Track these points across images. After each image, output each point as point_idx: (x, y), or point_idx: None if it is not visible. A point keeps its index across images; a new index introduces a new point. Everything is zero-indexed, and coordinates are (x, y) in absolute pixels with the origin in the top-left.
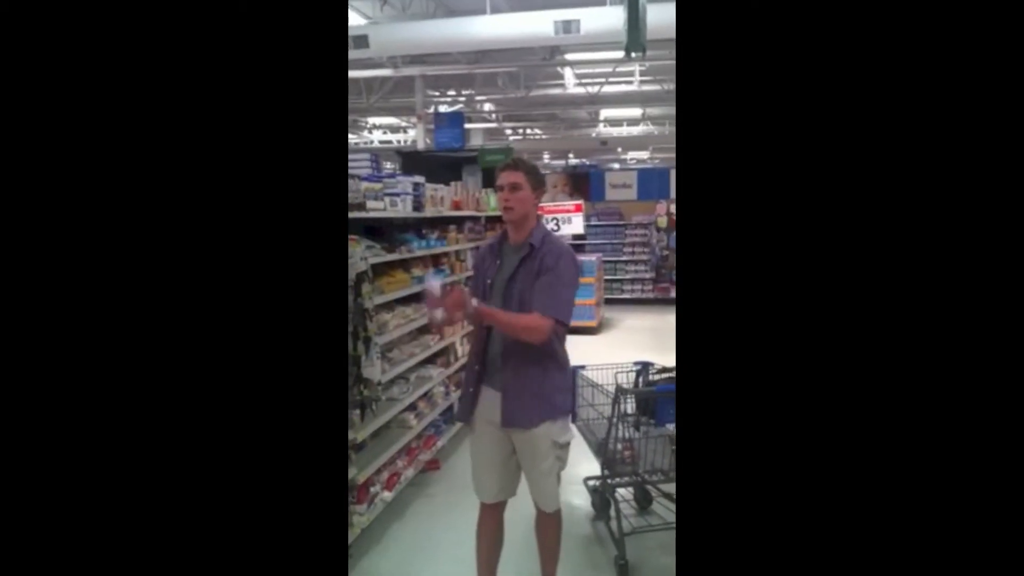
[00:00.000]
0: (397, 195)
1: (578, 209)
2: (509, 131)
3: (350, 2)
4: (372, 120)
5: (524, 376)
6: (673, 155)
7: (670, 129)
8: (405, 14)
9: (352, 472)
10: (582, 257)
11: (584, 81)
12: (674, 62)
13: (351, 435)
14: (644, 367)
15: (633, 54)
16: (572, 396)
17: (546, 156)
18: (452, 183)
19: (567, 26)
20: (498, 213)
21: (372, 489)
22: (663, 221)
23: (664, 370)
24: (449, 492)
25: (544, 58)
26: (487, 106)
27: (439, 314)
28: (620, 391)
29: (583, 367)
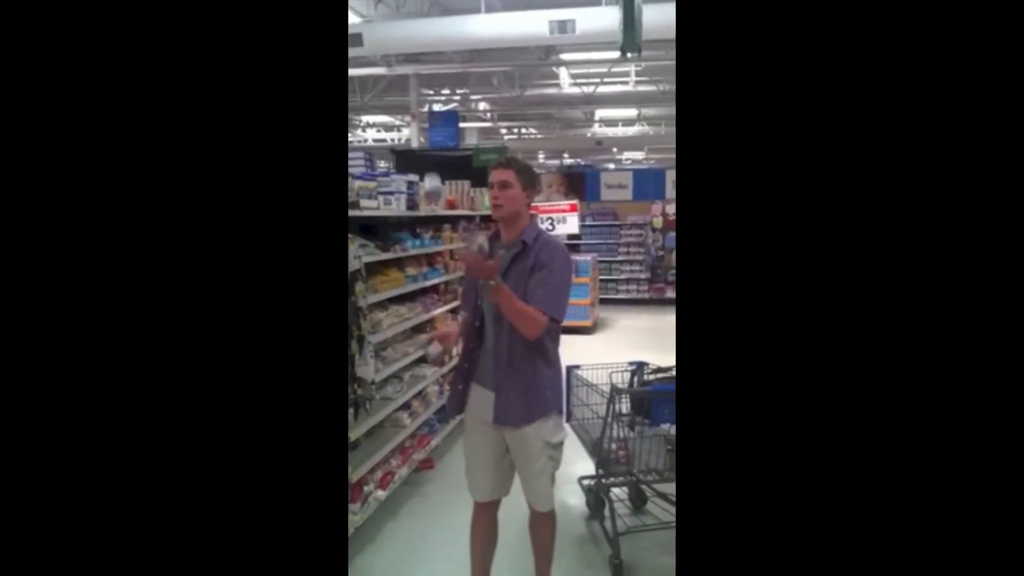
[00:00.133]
0: (391, 194)
1: (573, 209)
2: (504, 130)
3: None
4: (366, 118)
5: (515, 374)
6: (668, 155)
7: (665, 129)
8: (399, 12)
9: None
10: (577, 257)
11: (579, 81)
12: (669, 62)
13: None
14: (639, 367)
15: (628, 54)
16: (565, 394)
17: (541, 156)
18: (447, 182)
19: (562, 26)
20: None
21: (366, 488)
22: (658, 221)
23: (659, 370)
24: (443, 491)
25: (539, 58)
26: (482, 105)
27: (433, 349)
28: (615, 391)
29: (578, 367)
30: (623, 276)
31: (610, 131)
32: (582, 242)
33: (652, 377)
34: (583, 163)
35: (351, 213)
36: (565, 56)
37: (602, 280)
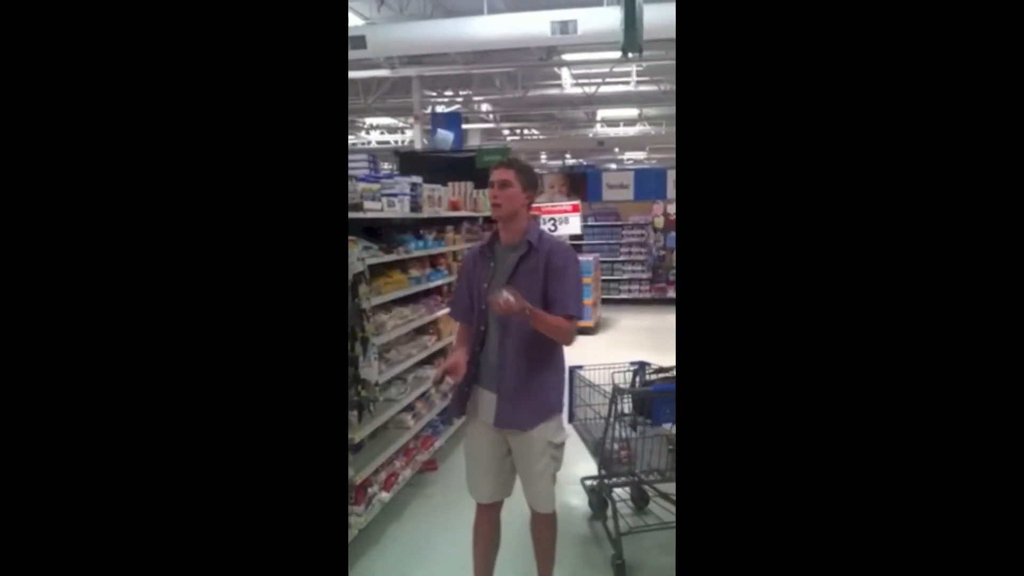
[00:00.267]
0: (395, 195)
1: (575, 209)
2: (506, 131)
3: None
4: (369, 120)
5: (520, 377)
6: (670, 155)
7: (667, 129)
8: (402, 15)
9: (350, 473)
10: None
11: (581, 81)
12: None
13: (349, 436)
14: (641, 367)
15: (630, 54)
16: (567, 395)
17: (543, 156)
18: (450, 183)
19: (564, 26)
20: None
21: (370, 490)
22: (660, 221)
23: (661, 370)
24: (446, 492)
25: (541, 58)
26: (484, 106)
27: (445, 386)
28: (617, 391)
29: (580, 367)
30: (625, 276)
31: (612, 131)
32: (584, 242)
33: (654, 377)
34: (585, 163)
35: (355, 215)
36: (567, 57)
37: (604, 280)
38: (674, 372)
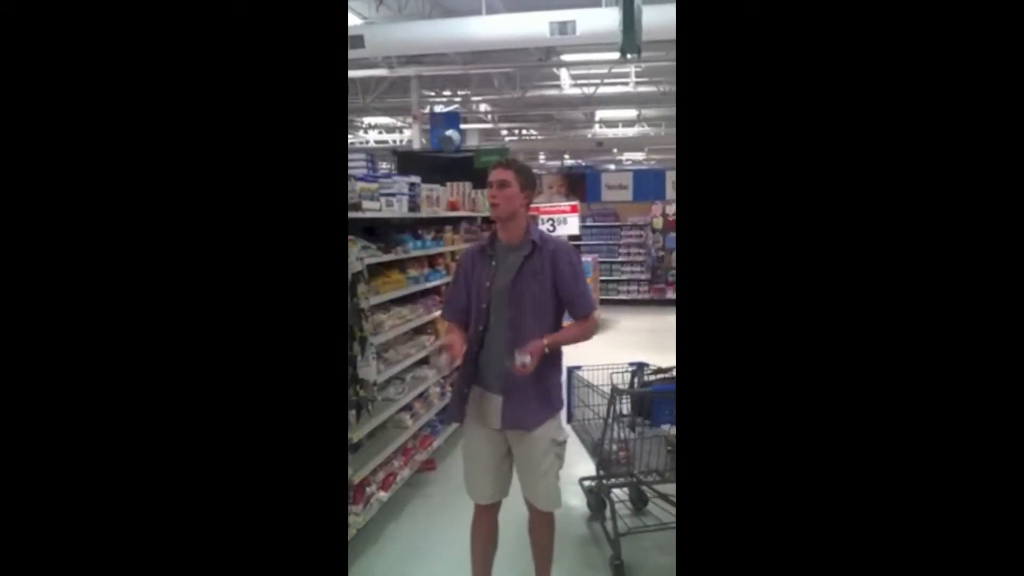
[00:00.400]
0: (393, 195)
1: (574, 210)
2: (505, 132)
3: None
4: (368, 120)
5: (529, 378)
6: (668, 156)
7: (666, 130)
8: (401, 14)
9: (348, 472)
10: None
11: (580, 82)
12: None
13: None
14: (639, 368)
15: (628, 55)
16: (566, 395)
17: (542, 157)
18: (448, 183)
19: (563, 27)
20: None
21: (368, 489)
22: (659, 222)
23: (660, 371)
24: (445, 492)
25: (540, 59)
26: (483, 107)
27: (443, 360)
28: (616, 392)
29: (579, 368)
30: (623, 277)
31: (610, 132)
32: (583, 243)
33: (652, 378)
34: (584, 164)
35: (353, 215)
36: (565, 57)
37: (602, 281)
38: (673, 373)
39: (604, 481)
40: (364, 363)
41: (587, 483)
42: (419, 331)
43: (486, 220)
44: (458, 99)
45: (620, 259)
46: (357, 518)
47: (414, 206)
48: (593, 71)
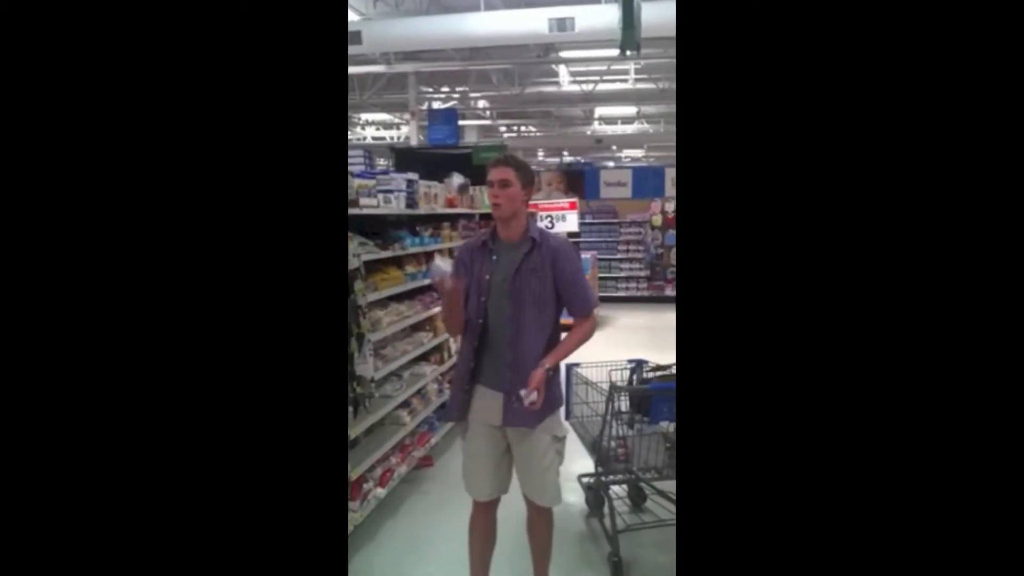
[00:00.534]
0: (391, 192)
1: (573, 207)
2: (503, 128)
3: None
4: (365, 116)
5: (527, 375)
6: (668, 153)
7: (665, 127)
8: (398, 10)
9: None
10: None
11: (579, 79)
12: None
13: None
14: (638, 365)
15: (627, 52)
16: (564, 392)
17: (540, 154)
18: (446, 180)
19: (561, 23)
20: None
21: (365, 486)
22: (658, 219)
23: (658, 368)
24: (443, 489)
25: (538, 55)
26: (481, 103)
27: (449, 282)
28: (614, 389)
29: (578, 364)
30: (622, 274)
31: (609, 129)
32: (582, 240)
33: (651, 375)
34: (583, 161)
35: (351, 211)
36: (564, 54)
37: (601, 278)
38: (672, 370)
39: (603, 478)
40: (361, 360)
41: (586, 480)
42: (417, 328)
43: (484, 216)
44: (456, 95)
45: (619, 256)
46: (354, 514)
47: (412, 202)
48: (592, 68)
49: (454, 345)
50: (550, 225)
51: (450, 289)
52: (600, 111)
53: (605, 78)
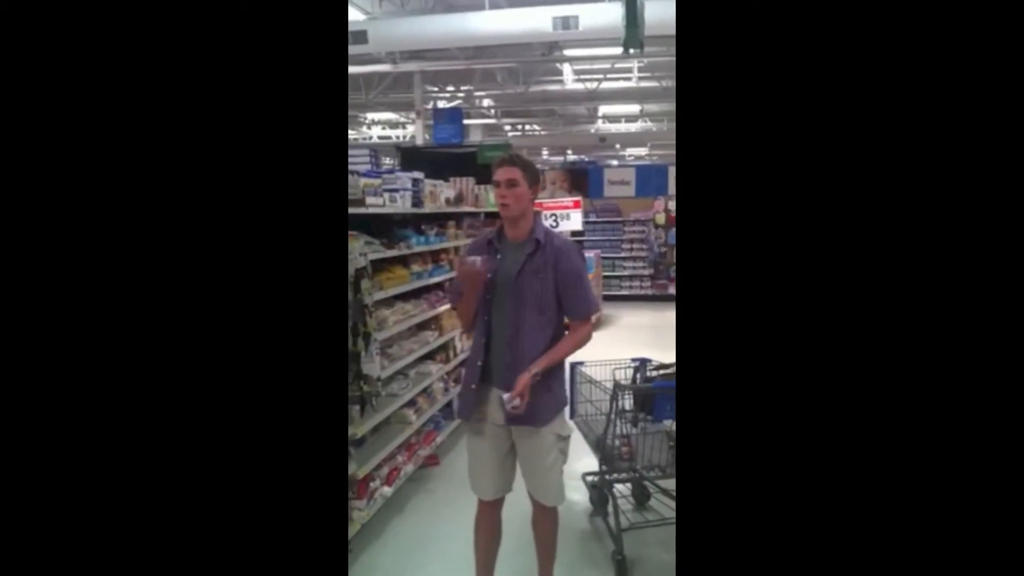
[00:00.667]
0: (396, 191)
1: (576, 205)
2: (508, 127)
3: None
4: (371, 116)
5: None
6: (671, 152)
7: (668, 125)
8: (403, 10)
9: (352, 468)
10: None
11: (583, 77)
12: (672, 58)
13: (351, 431)
14: (642, 363)
15: (631, 50)
16: (568, 390)
17: (545, 152)
18: (451, 179)
19: (565, 22)
20: (497, 209)
21: (372, 484)
22: (661, 218)
23: (662, 366)
24: (448, 488)
25: (543, 54)
26: (486, 102)
27: (478, 262)
28: (618, 387)
29: (581, 363)
30: (626, 272)
31: (613, 127)
32: (585, 239)
33: (655, 373)
34: (586, 159)
35: (356, 211)
36: (568, 52)
37: (605, 277)
38: (675, 368)
39: (607, 476)
40: (368, 359)
41: (590, 478)
42: (423, 327)
43: (489, 215)
44: (461, 94)
45: (623, 255)
46: (361, 513)
47: (417, 202)
48: (596, 66)
49: (460, 344)
50: (554, 224)
51: (478, 271)
52: (604, 109)
53: (609, 76)
